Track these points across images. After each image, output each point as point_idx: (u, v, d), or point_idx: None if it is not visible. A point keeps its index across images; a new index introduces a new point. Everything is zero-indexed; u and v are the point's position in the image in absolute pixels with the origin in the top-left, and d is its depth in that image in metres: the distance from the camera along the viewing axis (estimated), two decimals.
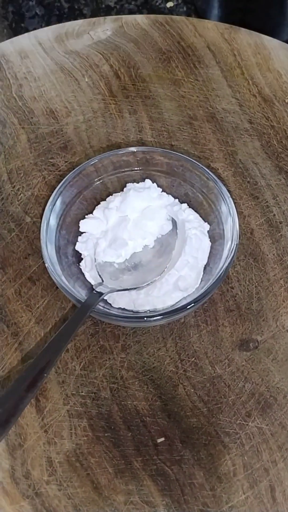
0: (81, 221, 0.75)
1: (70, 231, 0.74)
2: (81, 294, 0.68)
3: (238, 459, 0.63)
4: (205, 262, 0.72)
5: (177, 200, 0.77)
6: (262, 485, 0.62)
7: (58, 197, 0.73)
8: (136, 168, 0.78)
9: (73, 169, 0.76)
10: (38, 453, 0.63)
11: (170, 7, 1.39)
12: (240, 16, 1.06)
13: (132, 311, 0.70)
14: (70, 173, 0.75)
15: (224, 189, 0.72)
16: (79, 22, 1.02)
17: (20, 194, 0.81)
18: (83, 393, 0.67)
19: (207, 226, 0.74)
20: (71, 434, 0.64)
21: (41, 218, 0.72)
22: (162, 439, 0.64)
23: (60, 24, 1.02)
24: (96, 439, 0.64)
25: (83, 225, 0.74)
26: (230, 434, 0.64)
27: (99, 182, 0.77)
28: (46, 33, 1.00)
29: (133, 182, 0.78)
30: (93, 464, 0.63)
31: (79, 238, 0.74)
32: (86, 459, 0.63)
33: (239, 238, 0.71)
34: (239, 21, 0.99)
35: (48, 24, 1.53)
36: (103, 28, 1.00)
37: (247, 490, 0.61)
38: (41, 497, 0.61)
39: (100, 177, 0.77)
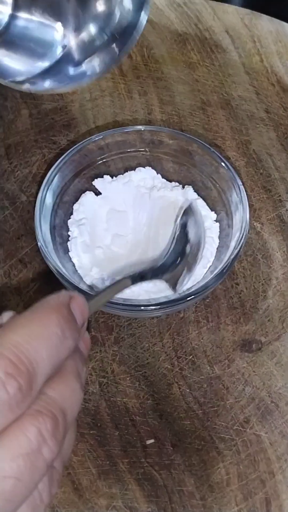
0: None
1: (67, 211, 0.70)
2: (74, 278, 0.63)
3: (232, 468, 0.59)
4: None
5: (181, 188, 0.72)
6: (257, 498, 0.57)
7: (56, 174, 0.68)
8: (142, 150, 0.73)
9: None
10: None
11: None
12: (262, 4, 1.01)
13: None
14: (70, 149, 0.70)
15: (236, 176, 0.67)
16: None
17: (17, 171, 0.77)
18: None
19: (214, 216, 0.70)
20: None
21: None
22: (152, 441, 0.60)
23: None
24: (80, 436, 0.60)
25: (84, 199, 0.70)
26: (225, 440, 0.60)
27: (101, 161, 0.73)
28: None
29: (138, 167, 0.74)
30: (75, 463, 0.59)
31: (74, 214, 0.70)
32: None
33: (248, 232, 0.66)
34: (261, 9, 0.94)
35: None
36: None
37: (241, 502, 0.57)
38: None
39: (102, 157, 0.73)
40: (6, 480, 0.30)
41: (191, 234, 0.67)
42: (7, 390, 0.31)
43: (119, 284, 0.54)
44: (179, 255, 0.65)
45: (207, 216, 0.70)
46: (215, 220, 0.70)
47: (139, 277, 0.59)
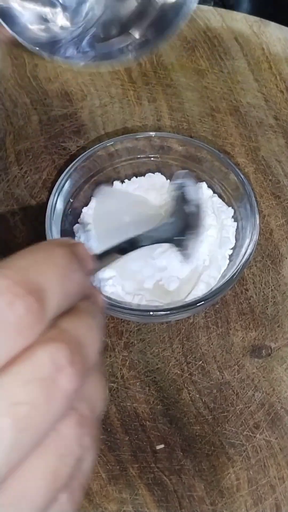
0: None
1: (77, 217, 0.70)
2: None
3: (242, 473, 0.58)
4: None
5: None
6: (267, 503, 0.57)
7: (66, 180, 0.69)
8: (151, 156, 0.73)
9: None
10: None
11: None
12: (271, 11, 1.02)
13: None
14: (81, 156, 0.71)
15: (246, 183, 0.68)
16: None
17: (27, 177, 0.77)
18: None
19: (231, 211, 0.70)
20: None
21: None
22: (162, 446, 0.60)
23: None
24: None
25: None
26: (235, 445, 0.60)
27: (111, 167, 0.73)
28: None
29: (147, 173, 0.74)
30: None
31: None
32: None
33: (257, 238, 0.66)
34: (269, 16, 0.95)
35: None
36: None
37: (251, 508, 0.57)
38: None
39: (112, 163, 0.73)
40: (19, 406, 0.27)
41: (189, 194, 0.65)
42: (15, 310, 0.28)
43: (121, 247, 0.52)
44: (179, 214, 0.64)
45: (225, 212, 0.70)
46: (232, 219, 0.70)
47: (142, 239, 0.57)
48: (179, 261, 0.65)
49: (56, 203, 0.67)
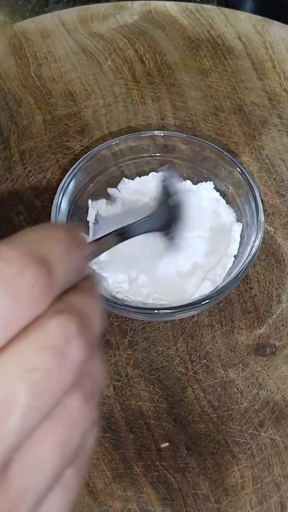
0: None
1: (82, 217, 0.70)
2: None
3: (247, 471, 0.58)
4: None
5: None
6: (272, 501, 0.57)
7: (71, 180, 0.69)
8: (155, 155, 0.74)
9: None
10: None
11: (200, 0, 1.35)
12: (274, 11, 1.02)
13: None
14: (85, 155, 0.71)
15: (251, 181, 0.68)
16: (106, 5, 0.98)
17: (31, 176, 0.77)
18: None
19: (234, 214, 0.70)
20: None
21: (52, 203, 0.68)
22: (166, 444, 0.60)
23: (85, 6, 0.99)
24: None
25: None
26: (240, 443, 0.60)
27: (115, 167, 0.73)
28: (70, 13, 0.96)
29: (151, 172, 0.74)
30: (90, 466, 0.58)
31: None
32: None
33: (262, 237, 0.66)
34: (273, 16, 0.95)
35: None
36: (130, 12, 0.96)
37: (255, 506, 0.57)
38: None
39: (116, 162, 0.73)
40: (33, 372, 0.28)
41: (171, 189, 0.66)
42: (26, 278, 0.28)
43: (109, 238, 0.53)
44: (164, 206, 0.65)
45: (229, 215, 0.70)
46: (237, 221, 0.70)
47: (133, 229, 0.58)
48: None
49: (61, 203, 0.67)
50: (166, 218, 0.63)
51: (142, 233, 0.60)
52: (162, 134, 0.73)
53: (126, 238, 0.56)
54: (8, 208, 0.74)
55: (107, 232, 0.52)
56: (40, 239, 0.31)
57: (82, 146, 0.80)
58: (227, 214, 0.70)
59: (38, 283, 0.29)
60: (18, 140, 0.81)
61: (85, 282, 0.34)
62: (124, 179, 0.73)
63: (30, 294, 0.29)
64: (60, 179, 0.71)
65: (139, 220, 0.60)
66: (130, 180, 0.73)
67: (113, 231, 0.53)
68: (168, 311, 0.61)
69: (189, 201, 0.68)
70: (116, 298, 0.63)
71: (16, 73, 0.88)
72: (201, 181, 0.73)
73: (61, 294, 0.31)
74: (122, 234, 0.55)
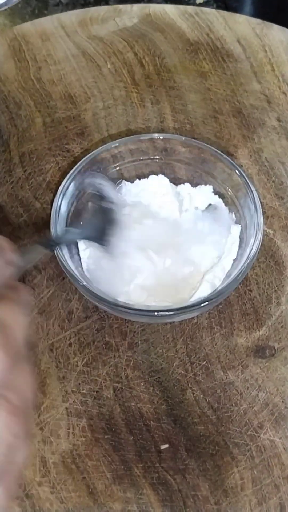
0: None
1: (81, 219, 0.70)
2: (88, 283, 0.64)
3: (247, 473, 0.59)
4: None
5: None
6: (271, 503, 0.57)
7: (70, 182, 0.69)
8: (154, 157, 0.74)
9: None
10: (32, 452, 0.59)
11: (200, 3, 1.35)
12: (273, 15, 1.02)
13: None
14: (85, 157, 0.71)
15: (250, 184, 0.68)
16: (105, 8, 0.98)
17: (31, 179, 0.77)
18: (84, 391, 0.63)
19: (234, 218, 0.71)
20: (69, 434, 0.60)
21: (52, 205, 0.68)
22: (166, 445, 0.60)
23: (85, 9, 0.99)
24: (95, 440, 0.60)
25: None
26: (239, 445, 0.60)
27: (115, 169, 0.73)
28: (70, 17, 0.97)
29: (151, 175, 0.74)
30: (90, 467, 0.59)
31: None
32: (82, 462, 0.59)
33: (261, 239, 0.66)
34: (272, 19, 0.95)
35: None
36: (130, 15, 0.97)
37: (255, 507, 0.57)
38: (32, 499, 0.57)
39: (116, 165, 0.73)
40: None
41: (104, 192, 0.67)
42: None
43: (34, 249, 0.53)
44: (99, 212, 0.66)
45: (228, 217, 0.71)
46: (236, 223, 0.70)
47: (67, 237, 0.62)
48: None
49: (60, 205, 0.67)
50: (99, 225, 0.64)
51: (68, 243, 0.63)
52: (162, 137, 0.73)
53: (53, 249, 0.58)
54: (8, 210, 0.74)
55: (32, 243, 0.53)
56: None
57: (81, 148, 0.80)
58: (226, 216, 0.71)
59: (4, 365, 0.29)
60: (18, 142, 0.81)
61: (10, 292, 0.34)
62: (124, 181, 0.73)
63: None
64: (60, 182, 0.71)
65: (65, 231, 0.62)
66: (129, 183, 0.74)
67: (37, 242, 0.54)
68: (167, 313, 0.61)
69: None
70: (116, 300, 0.64)
71: (16, 75, 0.89)
72: (200, 184, 0.73)
73: None
74: (47, 245, 0.56)
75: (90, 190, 0.68)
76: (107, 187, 0.66)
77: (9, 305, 0.33)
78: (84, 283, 0.62)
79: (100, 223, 0.64)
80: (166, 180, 0.74)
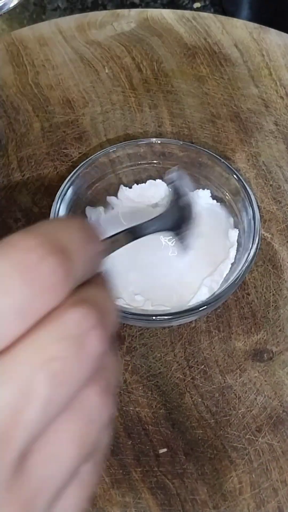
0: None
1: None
2: None
3: (245, 477, 0.59)
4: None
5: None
6: (270, 506, 0.57)
7: (69, 187, 0.69)
8: (153, 162, 0.74)
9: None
10: None
11: (197, 8, 1.36)
12: (270, 19, 1.02)
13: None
14: (83, 162, 0.71)
15: (247, 188, 0.68)
16: (103, 12, 0.99)
17: (29, 184, 0.77)
18: None
19: (231, 221, 0.71)
20: None
21: (50, 209, 0.68)
22: (165, 450, 0.60)
23: (83, 14, 0.99)
24: None
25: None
26: (238, 449, 0.60)
27: (113, 174, 0.73)
28: (68, 21, 0.97)
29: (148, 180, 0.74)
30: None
31: None
32: None
33: (259, 243, 0.66)
34: (269, 23, 0.95)
35: None
36: (127, 20, 0.97)
37: (253, 511, 0.57)
38: None
39: (114, 169, 0.73)
40: (53, 361, 0.27)
41: (182, 188, 0.66)
42: (47, 266, 0.28)
43: (121, 236, 0.53)
44: (176, 206, 0.64)
45: (226, 221, 0.71)
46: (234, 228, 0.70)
47: (145, 228, 0.58)
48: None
49: (59, 210, 0.67)
50: (177, 218, 0.63)
51: (153, 232, 0.60)
52: (159, 142, 0.73)
53: (139, 237, 0.56)
54: (6, 215, 0.75)
55: (120, 231, 0.52)
56: (59, 230, 0.31)
57: (80, 153, 0.80)
58: (224, 220, 0.71)
59: (57, 273, 0.28)
60: (16, 147, 0.81)
61: (99, 278, 0.34)
62: (122, 186, 0.74)
63: (49, 284, 0.28)
64: (58, 186, 0.71)
65: (150, 220, 0.61)
66: (128, 188, 0.74)
67: (125, 230, 0.53)
68: (166, 317, 0.61)
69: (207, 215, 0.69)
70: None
71: (14, 80, 0.89)
72: (198, 188, 0.73)
73: (77, 287, 0.31)
74: (134, 232, 0.55)
75: (170, 183, 0.67)
76: (185, 184, 0.66)
77: (103, 290, 0.33)
78: None
79: (178, 216, 0.64)
80: (164, 184, 0.74)
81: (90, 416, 0.29)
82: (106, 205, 0.73)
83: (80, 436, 0.29)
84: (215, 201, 0.72)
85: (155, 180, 0.74)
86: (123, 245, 0.51)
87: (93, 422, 0.29)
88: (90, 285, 0.32)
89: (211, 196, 0.73)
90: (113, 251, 0.52)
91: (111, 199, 0.73)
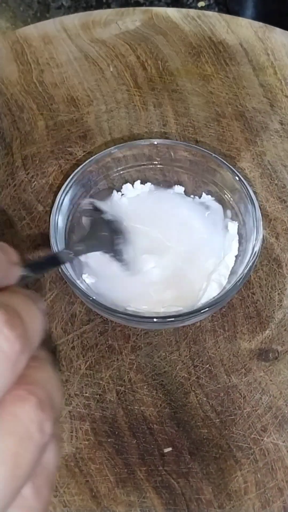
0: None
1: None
2: (89, 287, 0.64)
3: (250, 476, 0.58)
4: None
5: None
6: (275, 506, 0.57)
7: (72, 185, 0.69)
8: (157, 163, 0.74)
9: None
10: None
11: (202, 7, 1.36)
12: (275, 18, 1.02)
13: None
14: (87, 161, 0.71)
15: (250, 190, 0.68)
16: (108, 11, 0.98)
17: (33, 182, 0.77)
18: (87, 394, 0.62)
19: (233, 224, 0.70)
20: (72, 437, 0.60)
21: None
22: (170, 449, 0.60)
23: (88, 12, 0.99)
24: (98, 444, 0.60)
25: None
26: (243, 448, 0.60)
27: (117, 173, 0.73)
28: (72, 20, 0.97)
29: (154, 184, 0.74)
30: (93, 471, 0.58)
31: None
32: (86, 465, 0.59)
33: (263, 242, 0.66)
34: (274, 22, 0.95)
35: None
36: (132, 18, 0.97)
37: (259, 511, 0.57)
38: None
39: (118, 169, 0.73)
40: (6, 458, 0.26)
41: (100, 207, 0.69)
42: (8, 341, 0.28)
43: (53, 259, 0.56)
44: (101, 225, 0.68)
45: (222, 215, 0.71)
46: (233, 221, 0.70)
47: (74, 252, 0.61)
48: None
49: (58, 220, 0.66)
50: (104, 237, 0.66)
51: (87, 253, 0.64)
52: (161, 142, 0.73)
53: (65, 262, 0.60)
54: (11, 213, 0.74)
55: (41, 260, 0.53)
56: (18, 303, 0.31)
57: (84, 151, 0.80)
58: (220, 213, 0.71)
59: (16, 347, 0.28)
60: (20, 145, 0.81)
61: (41, 352, 0.33)
62: (114, 191, 0.73)
63: (10, 360, 0.28)
64: (62, 185, 0.71)
65: (80, 242, 0.64)
66: (127, 188, 0.73)
67: (49, 255, 0.55)
68: (170, 320, 0.61)
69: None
70: (126, 310, 0.63)
71: (19, 78, 0.88)
72: (201, 187, 0.73)
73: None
74: (60, 258, 0.58)
75: (84, 206, 0.68)
76: (98, 203, 0.68)
77: (21, 296, 0.32)
78: (94, 297, 0.61)
79: (106, 234, 0.65)
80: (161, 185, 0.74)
81: (23, 432, 0.28)
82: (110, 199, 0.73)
83: (11, 455, 0.27)
84: (209, 196, 0.72)
85: (159, 180, 0.74)
86: (50, 270, 0.53)
87: (28, 439, 0.28)
88: (33, 364, 0.30)
89: (205, 192, 0.72)
90: (41, 274, 0.53)
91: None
